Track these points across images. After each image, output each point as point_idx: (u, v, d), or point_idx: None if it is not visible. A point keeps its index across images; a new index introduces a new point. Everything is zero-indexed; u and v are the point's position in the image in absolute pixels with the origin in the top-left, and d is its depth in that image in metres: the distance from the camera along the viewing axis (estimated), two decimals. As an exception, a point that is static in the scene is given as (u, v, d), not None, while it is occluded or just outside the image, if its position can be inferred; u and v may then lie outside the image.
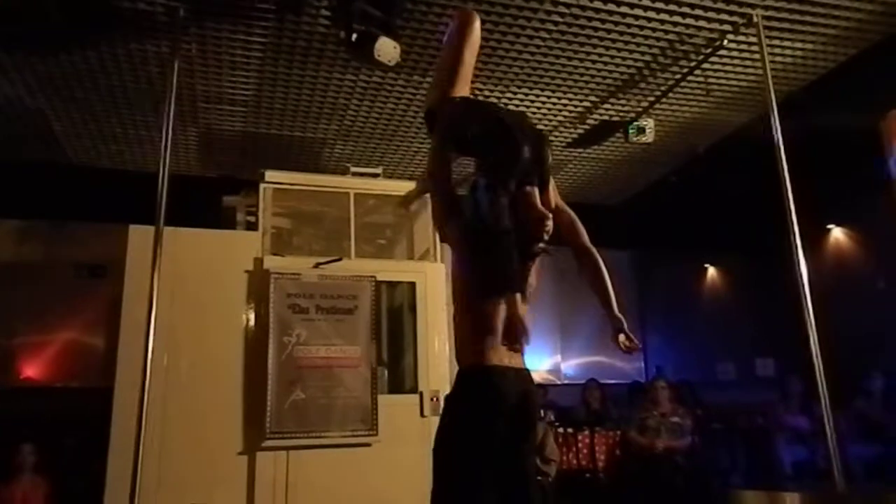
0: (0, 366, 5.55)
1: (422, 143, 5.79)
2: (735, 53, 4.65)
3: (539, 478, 5.15)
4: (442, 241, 2.26)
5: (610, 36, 4.38)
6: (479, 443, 1.88)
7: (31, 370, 5.64)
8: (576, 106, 5.30)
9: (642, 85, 5.01)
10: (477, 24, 2.41)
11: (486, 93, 5.02)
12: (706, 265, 7.82)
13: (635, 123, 5.43)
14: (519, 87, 4.99)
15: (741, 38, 4.43)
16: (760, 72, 4.16)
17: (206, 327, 4.72)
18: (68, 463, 4.95)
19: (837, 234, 6.67)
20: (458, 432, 1.92)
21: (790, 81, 4.94)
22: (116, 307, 4.70)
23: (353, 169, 5.60)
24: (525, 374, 2.06)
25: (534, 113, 5.37)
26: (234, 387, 4.62)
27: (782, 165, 3.74)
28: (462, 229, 2.08)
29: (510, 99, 5.14)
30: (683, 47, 4.53)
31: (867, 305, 6.18)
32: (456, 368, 2.06)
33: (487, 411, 1.92)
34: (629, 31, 4.33)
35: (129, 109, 5.11)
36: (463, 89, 2.35)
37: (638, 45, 4.49)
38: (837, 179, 6.17)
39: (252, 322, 4.82)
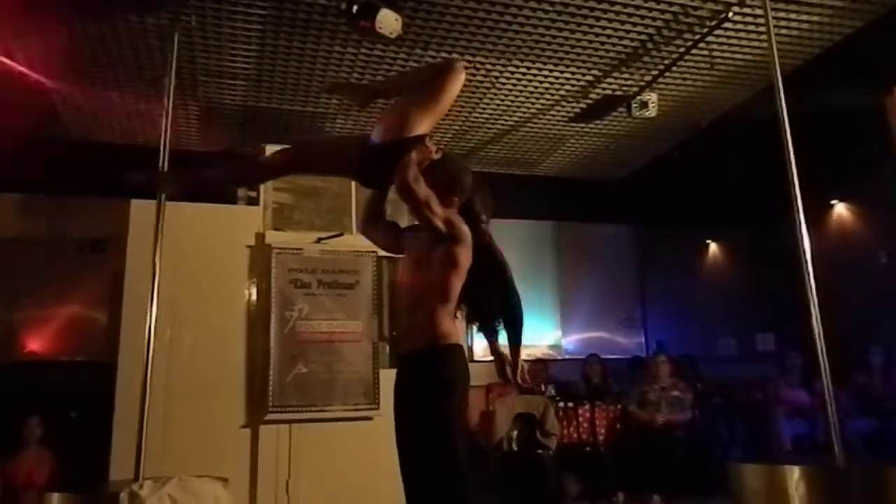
0: (4, 340, 5.58)
1: (423, 118, 5.73)
2: (740, 26, 4.59)
3: (539, 451, 5.21)
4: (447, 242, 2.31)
5: (613, 8, 4.32)
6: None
7: (35, 344, 5.67)
8: (578, 80, 5.25)
9: (646, 59, 4.96)
10: (463, 77, 2.52)
11: (488, 67, 4.98)
12: (708, 241, 7.80)
13: (638, 98, 5.38)
14: (521, 61, 4.94)
15: (746, 10, 4.37)
16: (766, 45, 4.10)
17: (209, 302, 4.74)
18: (73, 436, 5.00)
19: (840, 209, 6.65)
20: (460, 394, 2.24)
21: (795, 55, 4.88)
22: (119, 282, 4.72)
23: (355, 144, 5.57)
24: None
25: (535, 88, 5.33)
26: (236, 361, 4.66)
27: (786, 140, 3.70)
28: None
29: (512, 73, 5.09)
30: (688, 20, 4.47)
31: (869, 280, 6.19)
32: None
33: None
34: (633, 3, 4.27)
35: (130, 83, 5.07)
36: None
37: (642, 17, 4.43)
38: (841, 154, 6.13)
39: (254, 297, 4.85)
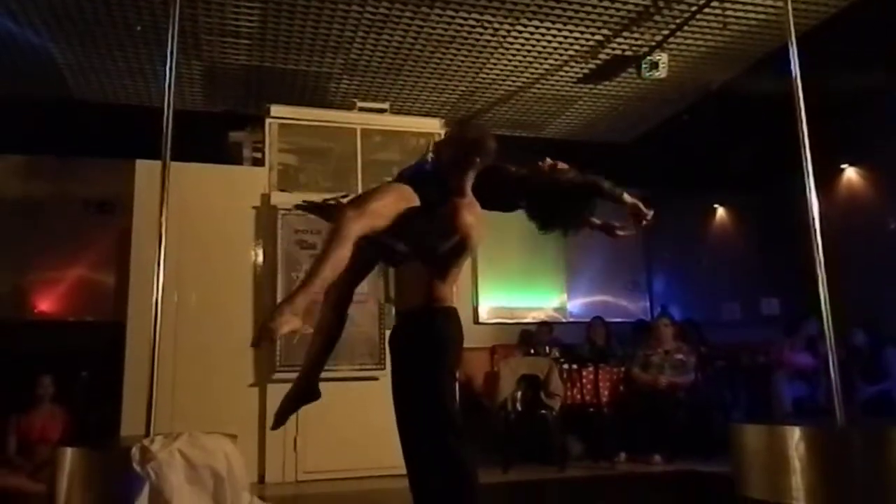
0: (16, 300, 5.64)
1: (429, 79, 5.68)
2: (754, -16, 4.49)
3: (543, 412, 5.27)
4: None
5: (625, -35, 4.23)
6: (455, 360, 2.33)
7: (45, 305, 5.74)
8: (587, 40, 5.16)
9: (657, 18, 4.86)
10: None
11: (496, 25, 4.90)
12: (715, 205, 7.76)
13: (648, 58, 5.29)
14: (529, 20, 4.85)
15: (761, -33, 4.27)
16: (780, 3, 4.02)
17: (216, 262, 4.77)
18: (85, 394, 5.09)
19: (851, 173, 6.58)
20: (452, 352, 2.27)
21: (810, 14, 4.78)
22: (125, 242, 4.74)
23: (360, 104, 5.53)
24: None
25: (543, 48, 5.25)
26: (244, 321, 4.70)
27: (799, 102, 3.65)
28: None
29: (520, 32, 5.00)
30: (701, -23, 4.38)
31: (878, 245, 6.16)
32: None
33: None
34: (645, -41, 4.18)
35: (133, 43, 5.02)
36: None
37: (653, -25, 4.34)
38: (853, 117, 6.04)
39: (260, 257, 4.87)
